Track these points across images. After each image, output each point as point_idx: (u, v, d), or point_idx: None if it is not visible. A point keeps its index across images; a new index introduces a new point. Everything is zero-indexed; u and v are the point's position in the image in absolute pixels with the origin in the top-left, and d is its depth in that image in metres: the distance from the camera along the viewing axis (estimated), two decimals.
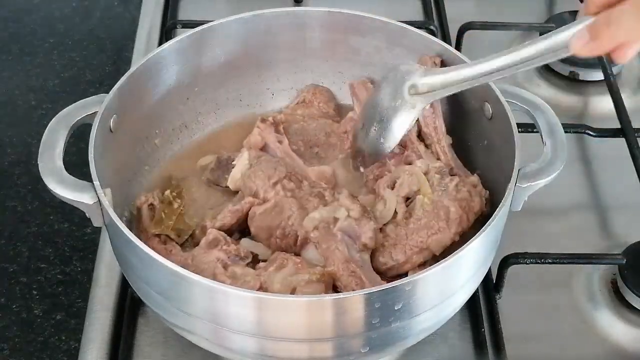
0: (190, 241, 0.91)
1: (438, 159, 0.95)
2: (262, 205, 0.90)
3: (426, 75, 0.88)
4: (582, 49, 0.73)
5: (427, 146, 0.97)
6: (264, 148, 0.98)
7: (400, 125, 0.91)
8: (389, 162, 0.95)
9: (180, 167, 0.99)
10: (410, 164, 0.93)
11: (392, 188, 0.91)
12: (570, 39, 0.74)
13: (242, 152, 0.96)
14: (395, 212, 0.89)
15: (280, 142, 0.99)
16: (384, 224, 0.89)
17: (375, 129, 0.92)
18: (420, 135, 0.98)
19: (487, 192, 0.90)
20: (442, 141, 0.96)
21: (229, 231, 0.90)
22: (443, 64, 0.96)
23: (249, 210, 0.90)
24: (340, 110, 1.06)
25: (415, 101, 0.89)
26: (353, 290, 0.81)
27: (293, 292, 0.80)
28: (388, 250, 0.87)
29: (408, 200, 0.91)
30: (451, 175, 0.91)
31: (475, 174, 0.93)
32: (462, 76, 0.85)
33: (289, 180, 0.92)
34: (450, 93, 0.88)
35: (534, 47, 0.78)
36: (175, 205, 0.93)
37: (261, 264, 0.84)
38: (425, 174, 0.91)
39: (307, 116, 1.03)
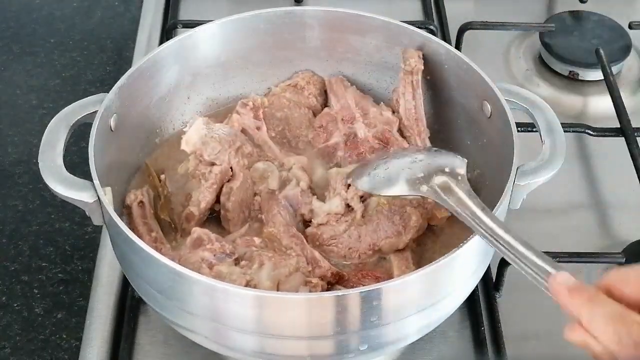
0: (179, 239, 0.91)
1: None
2: (236, 180, 0.91)
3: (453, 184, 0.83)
4: (558, 295, 0.68)
5: (406, 139, 0.98)
6: (242, 133, 0.99)
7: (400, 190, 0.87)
8: (370, 157, 0.95)
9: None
10: None
11: (349, 186, 0.92)
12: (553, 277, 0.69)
13: (194, 117, 0.96)
14: (354, 211, 0.90)
15: (258, 128, 0.99)
16: (336, 221, 0.90)
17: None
18: (399, 130, 0.98)
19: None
20: (423, 133, 0.97)
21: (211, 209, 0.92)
22: (425, 58, 0.97)
23: (222, 184, 0.92)
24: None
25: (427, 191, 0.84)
26: (295, 251, 0.86)
27: (278, 286, 0.81)
28: (342, 252, 0.89)
29: (361, 198, 0.91)
30: None
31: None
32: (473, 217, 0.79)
33: (246, 146, 0.95)
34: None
35: (528, 253, 0.73)
36: (166, 192, 0.94)
37: (243, 262, 0.84)
38: None
39: (294, 102, 1.02)
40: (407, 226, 0.88)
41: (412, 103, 0.97)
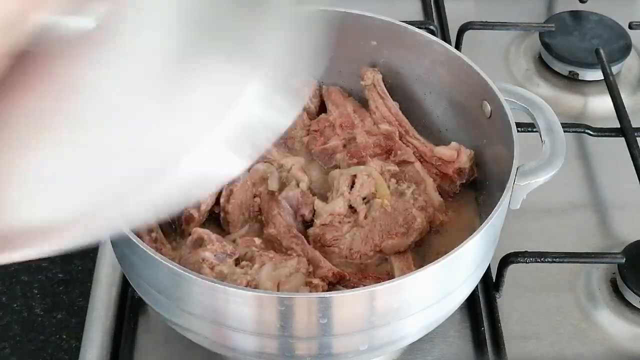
0: (179, 239, 0.91)
1: (415, 149, 0.97)
2: (235, 182, 0.91)
3: None
4: None
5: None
6: None
7: None
8: (370, 160, 0.95)
9: None
10: (403, 161, 0.94)
11: (352, 187, 0.92)
12: None
13: None
14: (357, 213, 0.90)
15: None
16: (339, 222, 0.90)
17: None
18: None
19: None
20: (411, 131, 0.98)
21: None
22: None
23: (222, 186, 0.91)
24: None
25: None
26: (295, 252, 0.86)
27: (279, 287, 0.81)
28: (344, 253, 0.89)
29: (364, 200, 0.91)
30: (407, 182, 0.93)
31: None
32: None
33: None
34: None
35: None
36: None
37: (243, 263, 0.84)
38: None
39: None
40: (410, 228, 0.88)
41: (387, 112, 0.98)
